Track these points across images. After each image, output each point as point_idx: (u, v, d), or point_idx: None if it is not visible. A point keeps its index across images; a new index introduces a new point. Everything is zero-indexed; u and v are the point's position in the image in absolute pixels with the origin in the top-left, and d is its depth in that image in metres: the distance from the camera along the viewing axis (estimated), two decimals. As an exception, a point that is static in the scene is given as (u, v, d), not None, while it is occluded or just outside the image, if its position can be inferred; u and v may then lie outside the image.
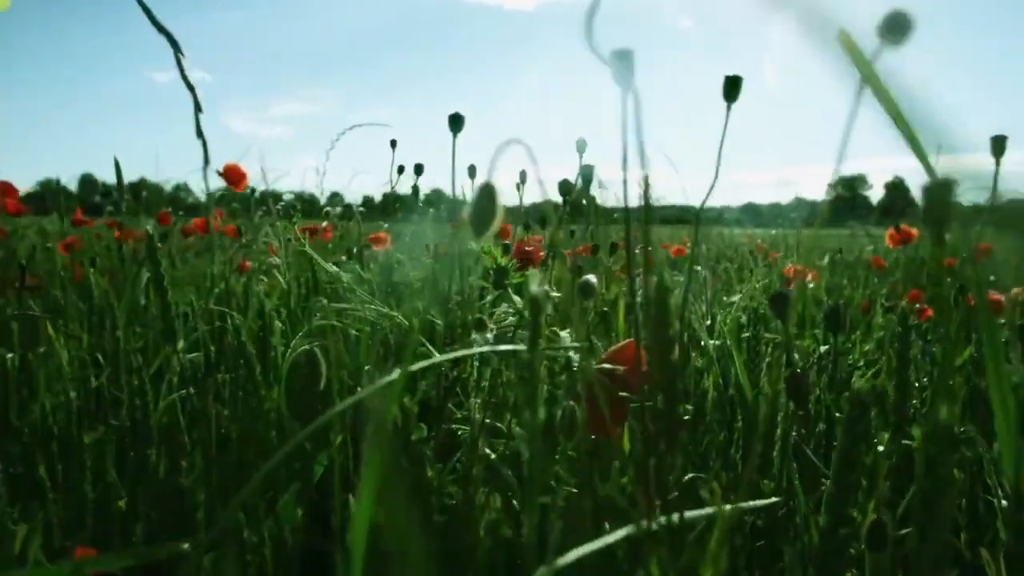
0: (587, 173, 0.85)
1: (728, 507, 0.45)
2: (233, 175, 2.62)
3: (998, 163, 0.60)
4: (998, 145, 0.57)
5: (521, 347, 0.46)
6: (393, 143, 1.19)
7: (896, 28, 0.34)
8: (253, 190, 2.74)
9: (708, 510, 0.44)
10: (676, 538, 0.44)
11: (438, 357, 0.45)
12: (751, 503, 0.48)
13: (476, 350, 0.52)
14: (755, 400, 0.85)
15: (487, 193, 0.41)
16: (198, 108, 0.59)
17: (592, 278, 0.53)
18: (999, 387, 0.42)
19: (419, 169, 1.12)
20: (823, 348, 1.39)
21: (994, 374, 0.42)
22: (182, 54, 0.59)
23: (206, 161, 0.60)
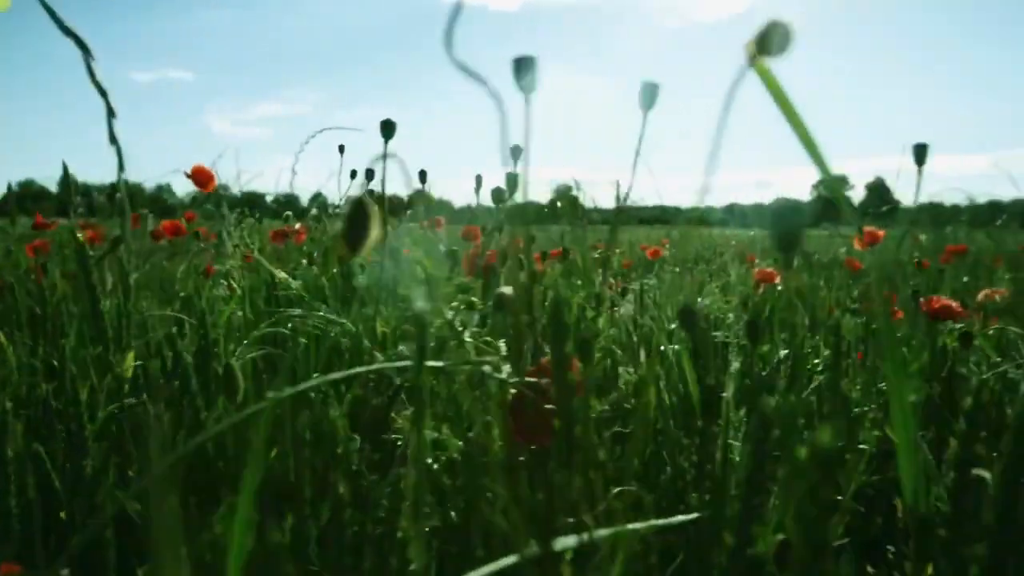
0: (512, 181, 0.84)
1: (633, 526, 0.44)
2: (201, 177, 2.59)
3: (920, 171, 0.59)
4: (920, 153, 0.56)
5: (407, 363, 0.44)
6: (341, 148, 1.18)
7: (775, 41, 0.34)
8: (218, 190, 2.70)
9: (609, 530, 0.42)
10: (581, 561, 0.43)
11: (316, 379, 0.43)
12: (664, 520, 0.47)
13: (363, 369, 0.51)
14: (699, 407, 0.84)
15: (359, 208, 0.39)
16: (111, 114, 0.58)
17: (507, 290, 0.52)
18: (901, 406, 0.41)
19: (370, 174, 1.11)
20: (783, 353, 1.39)
21: (896, 393, 0.41)
22: (92, 57, 0.57)
23: (120, 167, 0.58)
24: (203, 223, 3.45)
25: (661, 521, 0.45)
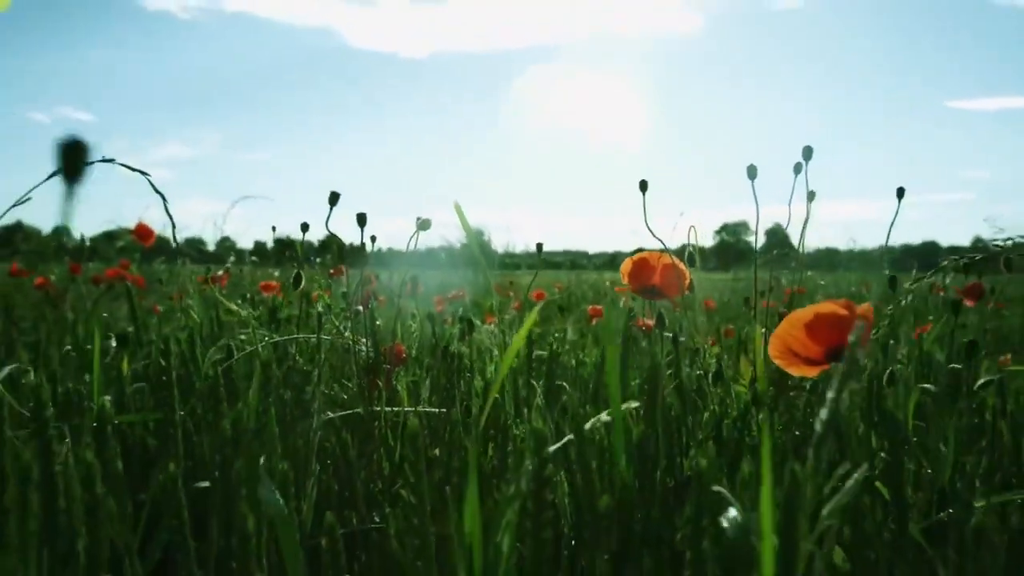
0: (424, 225, 1.26)
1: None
2: (143, 232, 3.08)
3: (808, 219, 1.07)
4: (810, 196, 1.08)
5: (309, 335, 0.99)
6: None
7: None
8: (157, 241, 3.16)
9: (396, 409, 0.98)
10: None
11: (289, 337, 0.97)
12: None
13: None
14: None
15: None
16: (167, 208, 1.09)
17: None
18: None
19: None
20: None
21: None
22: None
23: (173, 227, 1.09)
24: (135, 270, 3.87)
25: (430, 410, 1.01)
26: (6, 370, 0.89)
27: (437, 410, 1.03)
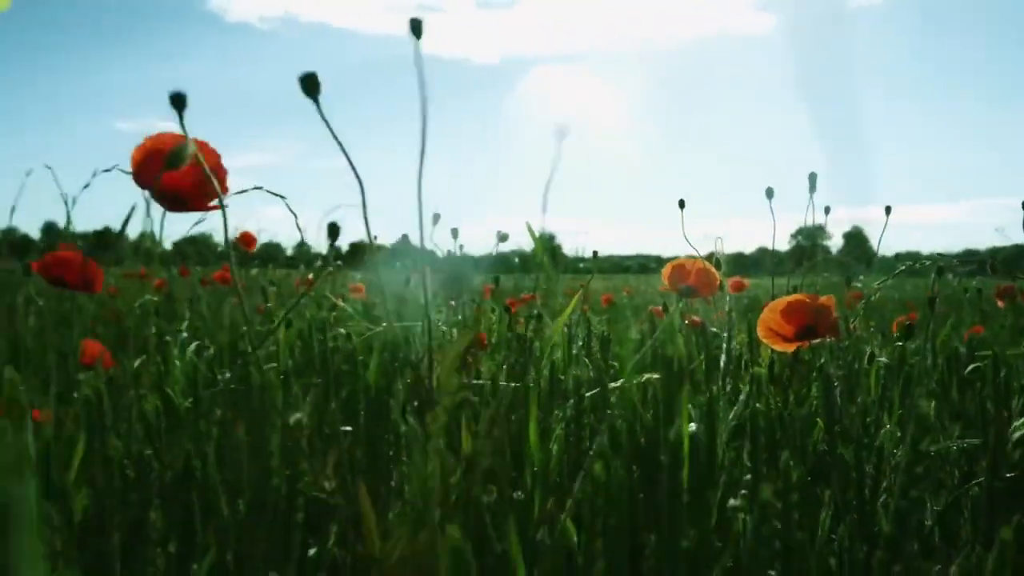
0: (503, 238, 1.54)
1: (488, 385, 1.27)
2: (245, 239, 3.45)
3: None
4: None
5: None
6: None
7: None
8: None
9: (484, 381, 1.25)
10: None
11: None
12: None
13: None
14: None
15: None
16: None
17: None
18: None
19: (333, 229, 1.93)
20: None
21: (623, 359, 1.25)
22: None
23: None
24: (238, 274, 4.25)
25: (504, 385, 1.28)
26: (194, 345, 1.19)
27: (513, 384, 1.30)
